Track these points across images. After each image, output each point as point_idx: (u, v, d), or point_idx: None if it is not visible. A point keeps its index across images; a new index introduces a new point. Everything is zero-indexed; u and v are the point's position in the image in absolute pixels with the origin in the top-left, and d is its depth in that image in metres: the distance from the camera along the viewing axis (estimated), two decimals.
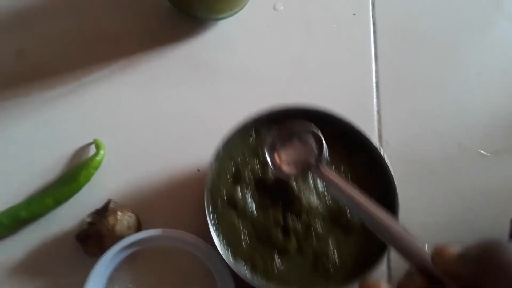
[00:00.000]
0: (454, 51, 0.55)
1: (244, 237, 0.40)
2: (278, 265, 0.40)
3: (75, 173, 0.43)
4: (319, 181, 0.42)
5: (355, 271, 0.40)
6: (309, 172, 0.40)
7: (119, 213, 0.41)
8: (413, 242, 0.30)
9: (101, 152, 0.45)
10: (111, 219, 0.40)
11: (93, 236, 0.40)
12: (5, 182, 0.44)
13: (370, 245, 0.40)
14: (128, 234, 0.40)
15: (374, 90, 0.53)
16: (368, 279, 0.30)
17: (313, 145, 0.39)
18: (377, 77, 0.54)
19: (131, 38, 0.50)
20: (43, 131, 0.46)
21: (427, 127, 0.52)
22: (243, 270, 0.39)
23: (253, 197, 0.41)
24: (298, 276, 0.40)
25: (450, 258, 0.27)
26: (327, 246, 0.41)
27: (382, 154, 0.42)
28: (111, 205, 0.42)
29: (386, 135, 0.52)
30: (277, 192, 0.41)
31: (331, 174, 0.37)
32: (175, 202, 0.45)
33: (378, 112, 0.53)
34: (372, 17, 0.56)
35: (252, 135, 0.43)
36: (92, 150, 0.46)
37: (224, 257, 0.38)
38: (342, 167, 0.43)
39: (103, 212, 0.41)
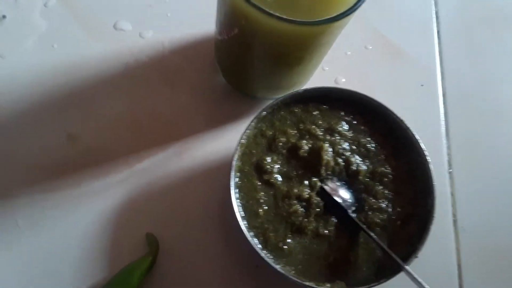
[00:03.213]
0: None
1: (262, 206, 0.39)
2: (290, 245, 0.38)
3: (127, 275, 0.40)
4: None
5: (366, 278, 0.37)
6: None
7: None
8: None
9: (155, 248, 0.41)
10: None
11: None
12: (53, 282, 0.41)
13: (388, 259, 0.37)
14: None
15: (447, 168, 0.48)
16: None
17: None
18: (449, 154, 0.49)
19: (186, 119, 0.46)
20: (92, 224, 0.42)
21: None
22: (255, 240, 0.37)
23: (282, 166, 0.40)
24: (308, 263, 0.38)
25: None
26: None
27: (427, 160, 0.40)
28: None
29: (462, 221, 0.47)
30: (307, 167, 0.40)
31: None
32: None
33: (452, 194, 0.48)
34: (442, 88, 0.52)
35: (299, 108, 0.42)
36: (145, 244, 0.42)
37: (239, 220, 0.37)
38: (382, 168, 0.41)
39: None
